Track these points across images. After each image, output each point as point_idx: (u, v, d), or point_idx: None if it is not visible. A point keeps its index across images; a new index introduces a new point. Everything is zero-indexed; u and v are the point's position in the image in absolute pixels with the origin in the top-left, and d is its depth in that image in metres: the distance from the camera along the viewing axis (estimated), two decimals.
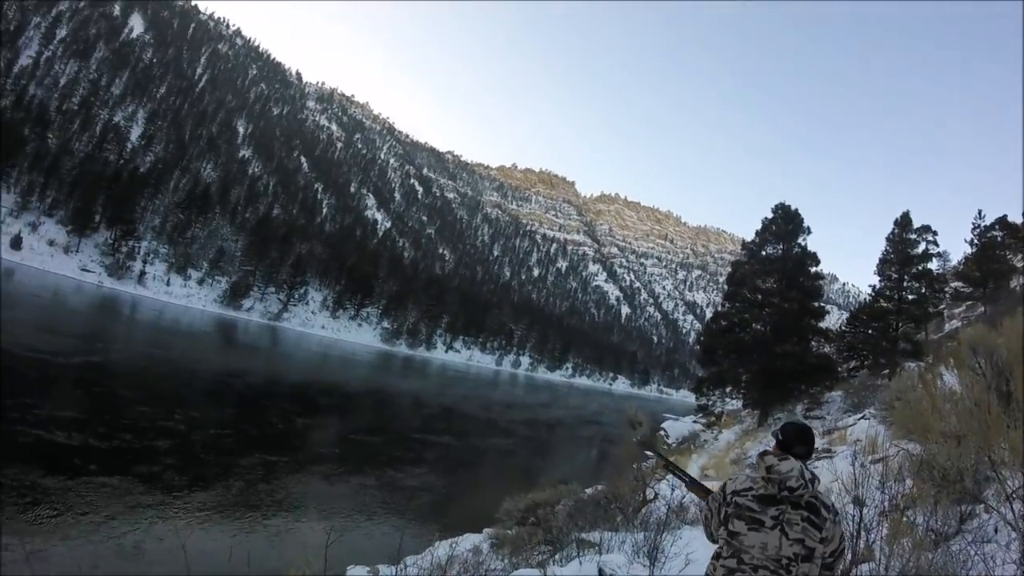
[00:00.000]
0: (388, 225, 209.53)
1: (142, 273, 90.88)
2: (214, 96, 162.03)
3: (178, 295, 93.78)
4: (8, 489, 11.69)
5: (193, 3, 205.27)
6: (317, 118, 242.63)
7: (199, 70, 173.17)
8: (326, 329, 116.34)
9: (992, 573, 3.59)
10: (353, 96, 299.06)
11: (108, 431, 16.98)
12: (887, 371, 29.22)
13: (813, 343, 31.23)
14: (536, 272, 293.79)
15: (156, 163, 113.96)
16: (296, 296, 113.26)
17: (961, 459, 5.00)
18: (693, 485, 3.45)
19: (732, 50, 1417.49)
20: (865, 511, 4.90)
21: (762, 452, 2.90)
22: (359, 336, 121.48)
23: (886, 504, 5.54)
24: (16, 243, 74.61)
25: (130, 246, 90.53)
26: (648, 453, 23.77)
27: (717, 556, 2.76)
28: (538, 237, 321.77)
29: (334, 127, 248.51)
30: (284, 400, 31.68)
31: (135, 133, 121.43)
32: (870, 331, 34.74)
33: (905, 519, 4.96)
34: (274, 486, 16.72)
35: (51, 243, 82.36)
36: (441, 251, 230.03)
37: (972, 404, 4.91)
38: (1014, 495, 3.32)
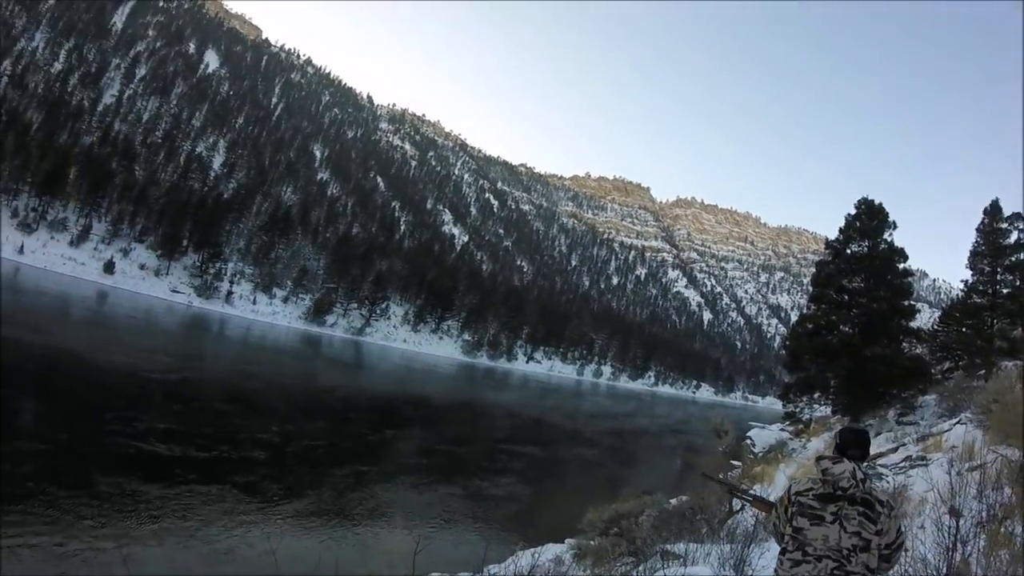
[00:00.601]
0: (465, 239, 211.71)
1: (229, 293, 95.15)
2: (290, 123, 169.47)
3: (264, 313, 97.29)
4: (108, 496, 12.34)
5: (264, 36, 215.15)
6: (390, 138, 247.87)
7: (274, 99, 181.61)
8: (408, 342, 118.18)
9: None
10: (424, 115, 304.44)
11: (204, 442, 17.71)
12: (983, 372, 27.81)
13: (904, 344, 30.05)
14: (615, 280, 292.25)
15: (239, 189, 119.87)
16: (378, 311, 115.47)
17: None
18: (757, 501, 3.76)
19: (804, 45, 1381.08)
20: (961, 522, 4.71)
21: (819, 456, 3.17)
22: (440, 349, 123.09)
23: (984, 514, 5.31)
24: (109, 267, 79.83)
25: (217, 267, 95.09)
26: (734, 462, 23.34)
27: (784, 551, 3.01)
28: (615, 245, 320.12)
29: (407, 146, 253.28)
30: (370, 412, 32.40)
31: (217, 162, 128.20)
32: (964, 329, 33.07)
33: (1003, 530, 4.75)
34: (362, 495, 17.13)
35: (142, 267, 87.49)
36: (519, 263, 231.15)
37: None
38: None
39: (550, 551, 13.04)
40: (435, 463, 23.25)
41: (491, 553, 11.11)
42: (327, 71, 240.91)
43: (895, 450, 17.56)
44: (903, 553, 3.13)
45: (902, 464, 12.23)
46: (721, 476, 13.85)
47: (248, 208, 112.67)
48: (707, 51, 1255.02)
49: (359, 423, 28.47)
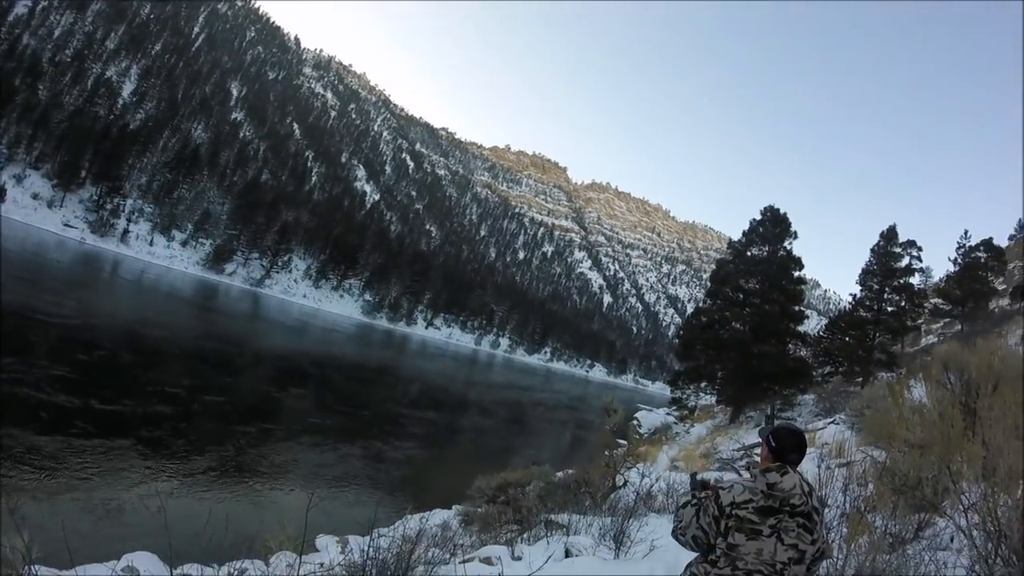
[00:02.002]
0: (376, 198, 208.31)
1: (125, 231, 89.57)
2: (210, 56, 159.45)
3: (160, 255, 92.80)
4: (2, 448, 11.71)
5: None
6: (313, 85, 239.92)
7: (196, 29, 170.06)
8: (307, 298, 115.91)
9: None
10: (351, 66, 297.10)
11: (102, 393, 16.97)
12: (860, 379, 29.69)
13: (791, 346, 31.57)
14: (521, 255, 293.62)
15: (146, 121, 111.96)
16: (279, 263, 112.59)
17: (922, 468, 5.18)
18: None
19: (731, 51, 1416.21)
20: (827, 512, 5.02)
21: (763, 468, 2.83)
22: (340, 307, 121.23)
23: (848, 506, 5.74)
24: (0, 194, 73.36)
25: (115, 204, 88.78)
26: (620, 441, 24.01)
27: (712, 562, 2.74)
28: (526, 220, 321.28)
29: (329, 95, 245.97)
30: (270, 369, 31.73)
31: (127, 89, 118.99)
32: (847, 339, 35.19)
33: (864, 521, 5.15)
34: (259, 453, 16.83)
35: (35, 196, 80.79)
36: (428, 227, 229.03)
37: (937, 416, 5.09)
38: (971, 507, 3.48)
39: (438, 516, 13.21)
40: (333, 424, 23.01)
41: (381, 516, 11.14)
42: (256, 6, 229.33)
43: (759, 428, 18.61)
44: (823, 561, 2.89)
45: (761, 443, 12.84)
46: (614, 451, 14.28)
47: (154, 142, 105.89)
48: (640, 43, 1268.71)
49: (258, 380, 27.91)
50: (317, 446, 19.71)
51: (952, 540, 4.79)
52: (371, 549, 5.23)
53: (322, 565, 7.31)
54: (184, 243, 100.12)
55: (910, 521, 5.39)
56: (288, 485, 15.08)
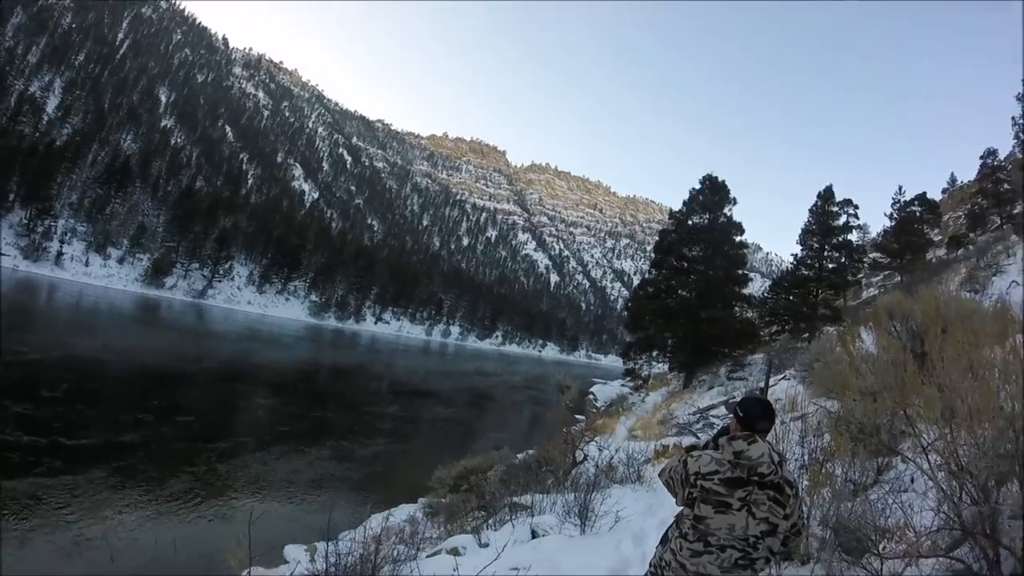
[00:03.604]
0: (316, 196, 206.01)
1: (59, 254, 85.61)
2: (136, 63, 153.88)
3: (98, 275, 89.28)
4: None
5: None
6: (243, 85, 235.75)
7: (120, 35, 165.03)
8: (252, 304, 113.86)
9: (910, 520, 3.77)
10: (282, 63, 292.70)
11: (48, 428, 16.22)
12: (807, 335, 30.42)
13: (737, 309, 32.21)
14: (466, 241, 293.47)
15: (73, 135, 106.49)
16: (221, 272, 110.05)
17: (877, 414, 5.23)
18: None
19: (660, 20, 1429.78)
20: (786, 465, 5.02)
21: (730, 436, 2.81)
22: (287, 310, 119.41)
23: (806, 458, 5.78)
24: None
25: (46, 225, 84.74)
26: (578, 416, 24.15)
27: (683, 535, 2.73)
28: (468, 206, 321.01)
29: (261, 95, 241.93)
30: (218, 381, 30.90)
31: (52, 104, 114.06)
32: (791, 297, 36.09)
33: (824, 471, 5.18)
34: (220, 469, 16.31)
35: None
36: (370, 221, 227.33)
37: (889, 363, 5.14)
38: (930, 447, 3.49)
39: (403, 511, 13.10)
40: (293, 430, 22.57)
41: (345, 519, 10.92)
42: (181, 7, 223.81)
43: (725, 402, 18.88)
44: (800, 538, 2.94)
45: (729, 415, 12.99)
46: (572, 426, 14.33)
47: (83, 157, 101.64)
48: (572, 24, 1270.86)
49: (211, 395, 27.14)
50: (281, 454, 19.29)
51: (912, 481, 4.85)
52: (332, 555, 5.08)
53: None
54: (121, 260, 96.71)
55: (870, 467, 5.46)
56: (240, 498, 14.69)
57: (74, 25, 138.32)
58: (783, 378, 17.18)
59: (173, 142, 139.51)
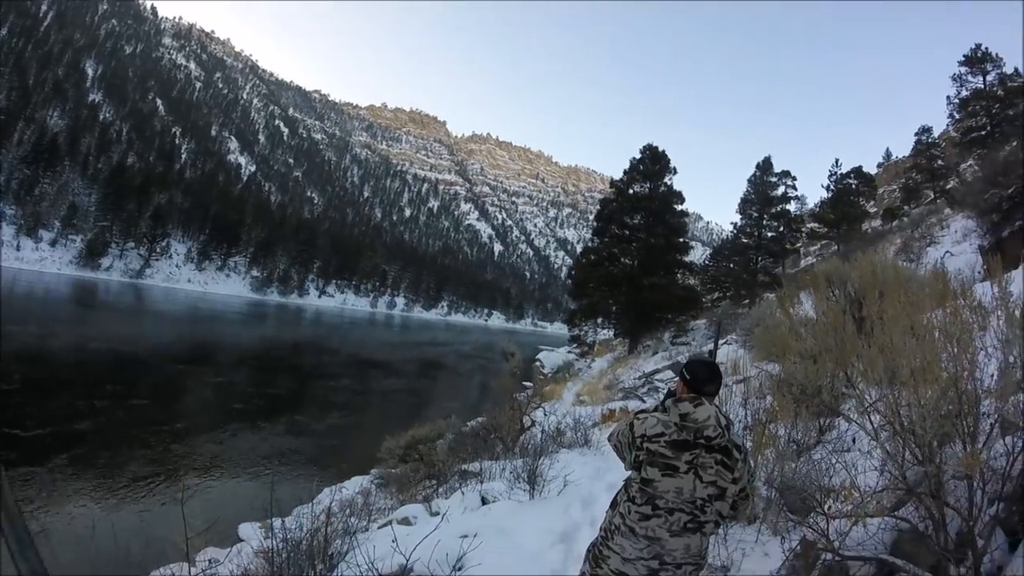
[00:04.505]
0: (252, 169, 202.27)
1: None
2: (60, 35, 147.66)
3: (30, 260, 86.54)
4: None
5: None
6: (174, 56, 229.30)
7: (44, 6, 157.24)
8: (192, 282, 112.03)
9: (855, 479, 3.87)
10: (213, 32, 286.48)
11: None
12: (747, 301, 31.18)
13: (679, 276, 32.72)
14: (408, 212, 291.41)
15: None
16: (158, 250, 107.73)
17: (818, 376, 5.35)
18: None
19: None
20: (732, 428, 5.12)
21: (676, 398, 2.80)
22: (228, 287, 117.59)
23: (749, 420, 5.90)
24: None
25: None
26: (526, 383, 24.33)
27: (632, 499, 2.71)
28: (409, 177, 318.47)
29: (192, 66, 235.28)
30: (161, 363, 30.01)
31: None
32: (732, 265, 37.01)
33: (768, 432, 5.29)
34: (162, 451, 15.87)
35: None
36: (310, 194, 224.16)
37: (829, 326, 5.26)
38: (872, 408, 3.58)
39: (355, 483, 13.06)
40: (243, 408, 22.19)
41: (298, 494, 10.71)
42: None
43: (670, 366, 19.24)
44: (749, 503, 2.88)
45: (676, 379, 13.28)
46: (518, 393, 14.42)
47: (8, 137, 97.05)
48: None
49: (154, 377, 26.30)
50: (235, 432, 18.99)
51: (855, 442, 4.99)
52: (281, 531, 5.00)
53: (210, 562, 7.03)
54: (53, 243, 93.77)
55: (812, 427, 5.61)
56: (210, 477, 14.52)
57: None
58: (725, 343, 17.54)
59: (102, 117, 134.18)
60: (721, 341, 18.92)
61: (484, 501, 7.07)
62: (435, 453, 12.96)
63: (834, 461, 4.36)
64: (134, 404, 20.78)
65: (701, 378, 2.79)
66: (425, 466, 11.81)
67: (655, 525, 2.63)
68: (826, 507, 3.59)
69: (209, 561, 7.18)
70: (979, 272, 10.62)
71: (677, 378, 2.93)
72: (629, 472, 2.84)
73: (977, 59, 36.43)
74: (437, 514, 6.85)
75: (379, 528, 6.98)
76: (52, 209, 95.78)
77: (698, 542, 2.66)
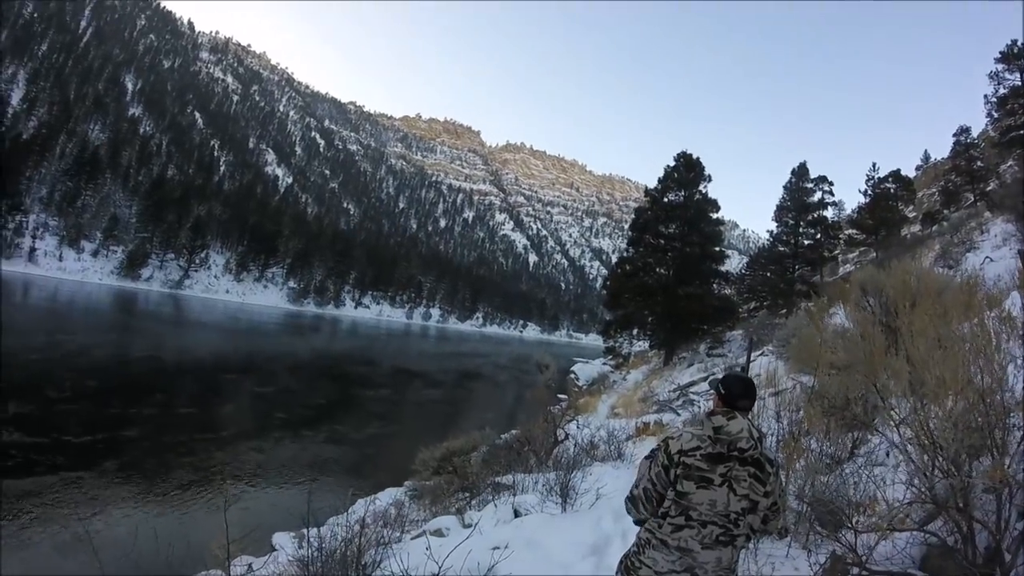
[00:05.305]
0: (289, 181, 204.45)
1: (32, 250, 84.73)
2: (100, 51, 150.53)
3: (72, 270, 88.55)
4: None
5: None
6: (211, 70, 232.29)
7: (83, 23, 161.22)
8: (231, 293, 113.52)
9: (883, 493, 3.84)
10: (250, 46, 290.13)
11: (31, 424, 16.06)
12: (784, 311, 30.72)
13: (715, 285, 32.37)
14: (443, 223, 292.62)
15: (40, 128, 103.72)
16: (197, 261, 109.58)
17: (849, 388, 5.30)
18: None
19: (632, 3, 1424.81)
20: (765, 442, 5.10)
21: (710, 412, 2.84)
22: (265, 298, 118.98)
23: (784, 433, 5.86)
24: None
25: (17, 222, 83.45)
26: (560, 396, 24.30)
27: (663, 515, 2.72)
28: (444, 188, 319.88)
29: (229, 79, 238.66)
30: (202, 374, 30.54)
31: (16, 96, 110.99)
32: (768, 274, 36.50)
33: (799, 445, 5.25)
34: (205, 459, 16.11)
35: None
36: (346, 205, 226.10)
37: (859, 337, 5.21)
38: (902, 422, 3.55)
39: (388, 495, 13.18)
40: (282, 419, 22.46)
41: (332, 504, 10.80)
42: None
43: (706, 379, 19.08)
44: (780, 517, 2.86)
45: (711, 392, 13.17)
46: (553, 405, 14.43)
47: (51, 150, 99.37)
48: (544, 2, 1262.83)
49: (196, 387, 26.88)
50: (276, 441, 19.26)
51: (888, 455, 4.93)
52: (316, 539, 5.10)
53: (248, 568, 7.16)
54: (95, 253, 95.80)
55: (845, 441, 5.55)
56: (251, 485, 14.75)
57: (36, 14, 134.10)
58: (761, 354, 17.36)
59: (142, 131, 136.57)
60: (757, 352, 18.73)
61: (516, 514, 7.11)
62: (469, 465, 13.03)
63: (864, 475, 4.33)
64: (181, 412, 21.32)
65: (735, 393, 2.80)
66: (459, 478, 11.89)
67: (687, 536, 2.65)
68: (855, 521, 3.57)
69: (248, 567, 7.32)
70: (1017, 278, 10.39)
71: (713, 392, 2.94)
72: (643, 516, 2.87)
73: (1014, 55, 35.44)
74: (469, 526, 6.91)
75: (412, 539, 7.05)
76: (94, 220, 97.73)
77: (729, 555, 2.67)
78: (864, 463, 4.87)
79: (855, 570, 3.47)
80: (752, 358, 16.78)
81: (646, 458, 2.92)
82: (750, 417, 2.83)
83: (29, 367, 23.07)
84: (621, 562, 2.88)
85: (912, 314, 4.45)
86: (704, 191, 32.11)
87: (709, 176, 32.23)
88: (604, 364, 35.95)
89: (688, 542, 2.65)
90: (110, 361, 29.19)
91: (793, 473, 4.85)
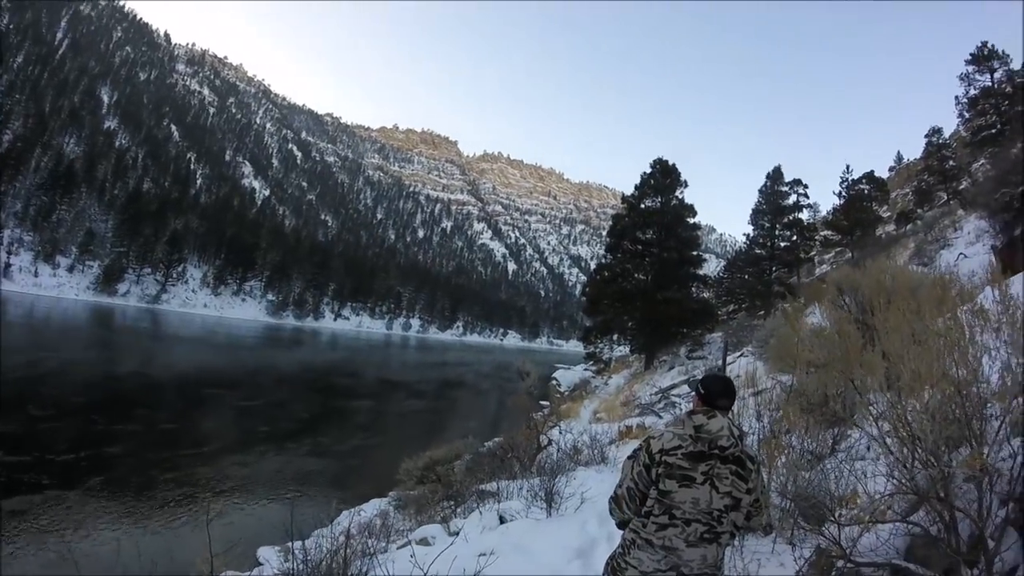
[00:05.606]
0: (267, 193, 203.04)
1: (7, 266, 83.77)
2: (76, 63, 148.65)
3: (48, 286, 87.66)
4: None
5: None
6: (187, 82, 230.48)
7: (59, 34, 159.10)
8: (208, 307, 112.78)
9: (865, 486, 3.89)
10: (226, 58, 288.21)
11: (14, 442, 15.89)
12: (763, 312, 31.01)
13: (693, 289, 32.66)
14: (421, 233, 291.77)
15: (15, 141, 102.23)
16: (174, 275, 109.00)
17: (827, 385, 5.36)
18: None
19: (610, 7, 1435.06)
20: (746, 439, 5.14)
21: (690, 412, 2.88)
22: (244, 311, 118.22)
23: (765, 432, 5.91)
24: None
25: None
26: (543, 402, 24.30)
27: (647, 514, 2.74)
28: (422, 198, 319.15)
29: (206, 91, 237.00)
30: (181, 389, 30.20)
31: None
32: (746, 276, 36.86)
33: (780, 443, 5.30)
34: (188, 474, 16.03)
35: None
36: (323, 217, 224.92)
37: (836, 335, 5.28)
38: (880, 415, 3.60)
39: (373, 506, 13.13)
40: (264, 433, 22.34)
41: (317, 517, 10.76)
42: (120, 4, 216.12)
43: (686, 381, 19.15)
44: (763, 513, 2.90)
45: (692, 394, 13.24)
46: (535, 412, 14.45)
47: (26, 164, 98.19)
48: (519, 11, 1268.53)
49: (175, 402, 26.65)
50: (259, 455, 19.19)
51: (868, 449, 4.98)
52: (301, 552, 5.07)
53: None
54: (71, 269, 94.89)
55: (825, 437, 5.61)
56: (235, 499, 14.71)
57: (11, 26, 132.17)
58: (741, 355, 17.51)
59: (118, 144, 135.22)
60: (737, 353, 18.88)
61: (502, 520, 7.13)
62: (453, 474, 13.04)
63: (846, 470, 4.38)
64: (164, 428, 21.14)
65: (714, 392, 2.85)
66: (443, 487, 11.88)
67: (672, 535, 2.66)
68: (838, 515, 3.61)
69: None
70: (990, 273, 10.59)
71: (693, 393, 2.99)
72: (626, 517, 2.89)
73: (984, 57, 36.21)
74: (455, 534, 6.90)
75: (398, 548, 7.03)
76: (69, 235, 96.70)
77: (714, 553, 2.69)
78: (845, 458, 4.93)
79: (840, 563, 3.51)
80: (731, 359, 16.92)
81: (628, 458, 2.93)
82: (730, 416, 2.86)
83: (11, 385, 22.73)
84: (607, 564, 2.90)
85: (887, 311, 4.51)
86: (681, 197, 32.42)
87: (685, 182, 32.55)
88: (585, 370, 36.06)
89: (673, 540, 2.66)
90: (92, 378, 28.88)
91: (775, 470, 4.89)
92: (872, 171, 43.69)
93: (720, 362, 15.45)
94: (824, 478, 4.41)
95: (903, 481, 3.21)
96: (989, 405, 3.06)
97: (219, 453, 18.54)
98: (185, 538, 11.53)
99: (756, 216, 37.53)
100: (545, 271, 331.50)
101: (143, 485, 14.74)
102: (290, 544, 7.08)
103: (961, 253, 16.01)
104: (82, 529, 11.64)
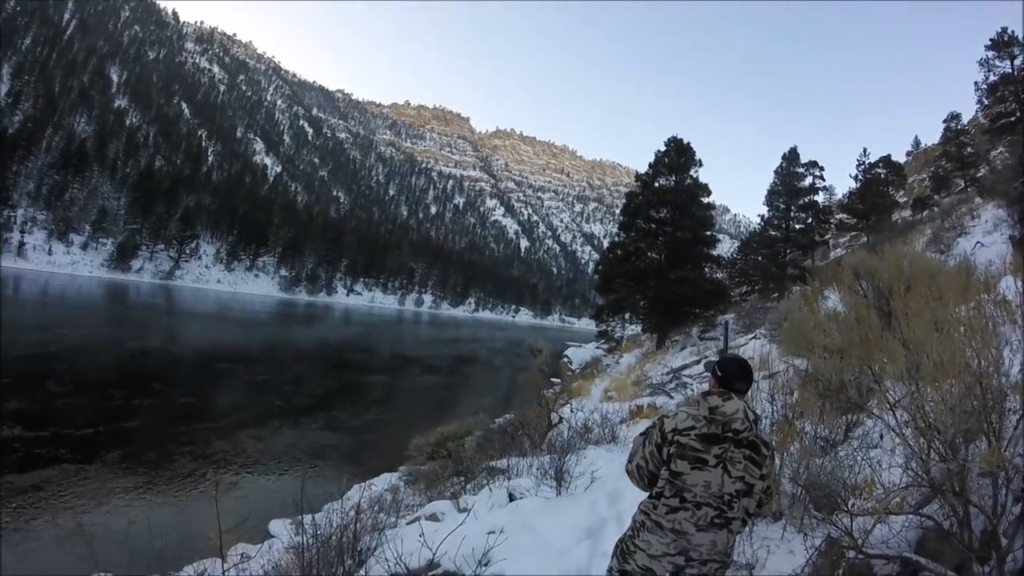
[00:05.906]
0: (278, 170, 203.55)
1: (21, 244, 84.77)
2: (84, 43, 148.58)
3: (62, 263, 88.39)
4: None
5: None
6: (197, 60, 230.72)
7: (67, 15, 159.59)
8: (222, 283, 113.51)
9: (879, 476, 3.84)
10: (235, 35, 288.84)
11: (33, 417, 16.04)
12: (776, 294, 30.82)
13: (706, 269, 32.44)
14: (433, 210, 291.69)
15: (26, 122, 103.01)
16: (187, 251, 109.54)
17: (843, 371, 5.30)
18: None
19: None
20: (760, 424, 5.10)
21: (705, 393, 2.83)
22: (257, 287, 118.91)
23: (777, 415, 5.87)
24: None
25: (5, 217, 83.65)
26: (554, 380, 24.34)
27: (658, 495, 2.71)
28: (434, 174, 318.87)
29: (216, 69, 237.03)
30: (197, 365, 30.41)
31: (0, 91, 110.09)
32: (760, 258, 36.59)
33: (793, 428, 5.26)
34: (205, 449, 16.16)
35: None
36: (335, 193, 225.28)
37: (854, 320, 5.21)
38: (897, 404, 3.54)
39: (384, 480, 13.19)
40: (278, 407, 22.45)
41: (328, 491, 10.82)
42: None
43: (698, 362, 19.16)
44: (773, 500, 2.92)
45: (704, 374, 13.17)
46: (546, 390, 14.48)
47: (37, 144, 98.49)
48: None
49: (197, 377, 26.89)
50: (275, 429, 19.32)
51: (882, 438, 4.93)
52: (311, 527, 5.09)
53: (241, 556, 7.16)
54: (84, 246, 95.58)
55: (839, 423, 5.56)
56: (250, 474, 14.83)
57: (18, 8, 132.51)
58: (753, 337, 17.41)
59: (128, 122, 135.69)
60: (750, 335, 18.78)
61: (511, 497, 7.12)
62: (463, 450, 13.05)
63: (859, 458, 4.33)
64: (179, 402, 21.32)
65: (731, 374, 2.80)
66: (453, 463, 11.89)
67: (682, 518, 2.62)
68: (850, 504, 3.58)
69: (241, 556, 7.32)
70: (1009, 263, 10.45)
71: (708, 374, 2.98)
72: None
73: (1004, 43, 35.53)
74: (465, 510, 6.90)
75: (407, 524, 7.05)
76: (82, 213, 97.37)
77: (724, 539, 2.65)
78: (859, 446, 4.87)
79: (851, 553, 3.48)
80: (744, 341, 16.84)
81: (641, 435, 2.92)
82: (746, 400, 2.83)
83: (29, 361, 23.04)
84: (616, 546, 2.87)
85: (908, 297, 4.44)
86: (695, 176, 32.16)
87: (700, 161, 32.26)
88: (597, 348, 36.01)
89: (683, 524, 2.63)
90: (108, 354, 29.10)
91: (788, 456, 4.85)
92: (889, 155, 42.97)
93: (734, 342, 15.40)
94: (837, 466, 4.37)
95: (919, 473, 3.17)
96: (1009, 399, 3.01)
97: (234, 427, 18.65)
98: (200, 511, 11.58)
99: (771, 197, 37.14)
100: (558, 248, 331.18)
101: (159, 459, 14.86)
102: (300, 518, 7.15)
103: (978, 242, 15.77)
104: (97, 502, 11.74)
